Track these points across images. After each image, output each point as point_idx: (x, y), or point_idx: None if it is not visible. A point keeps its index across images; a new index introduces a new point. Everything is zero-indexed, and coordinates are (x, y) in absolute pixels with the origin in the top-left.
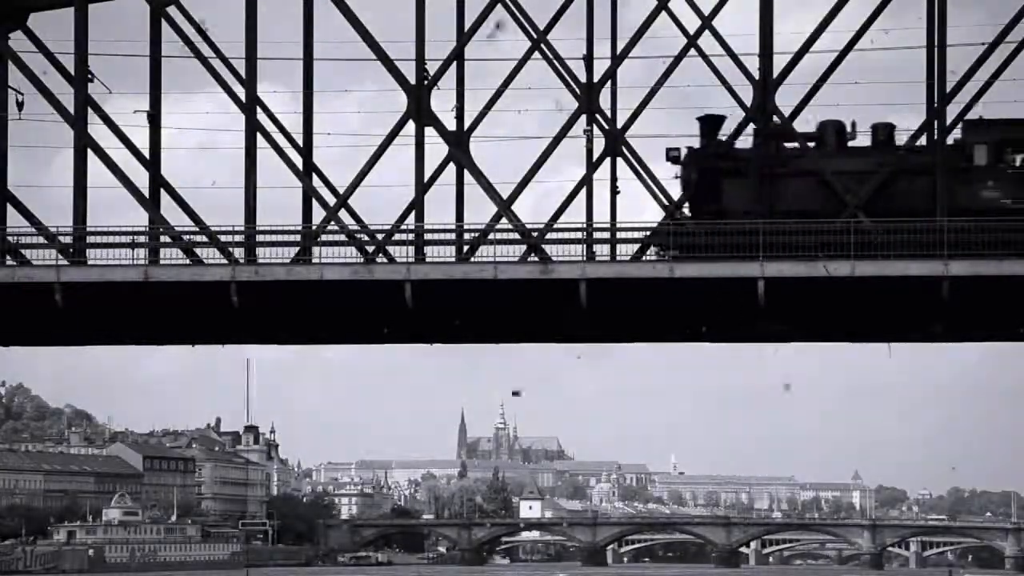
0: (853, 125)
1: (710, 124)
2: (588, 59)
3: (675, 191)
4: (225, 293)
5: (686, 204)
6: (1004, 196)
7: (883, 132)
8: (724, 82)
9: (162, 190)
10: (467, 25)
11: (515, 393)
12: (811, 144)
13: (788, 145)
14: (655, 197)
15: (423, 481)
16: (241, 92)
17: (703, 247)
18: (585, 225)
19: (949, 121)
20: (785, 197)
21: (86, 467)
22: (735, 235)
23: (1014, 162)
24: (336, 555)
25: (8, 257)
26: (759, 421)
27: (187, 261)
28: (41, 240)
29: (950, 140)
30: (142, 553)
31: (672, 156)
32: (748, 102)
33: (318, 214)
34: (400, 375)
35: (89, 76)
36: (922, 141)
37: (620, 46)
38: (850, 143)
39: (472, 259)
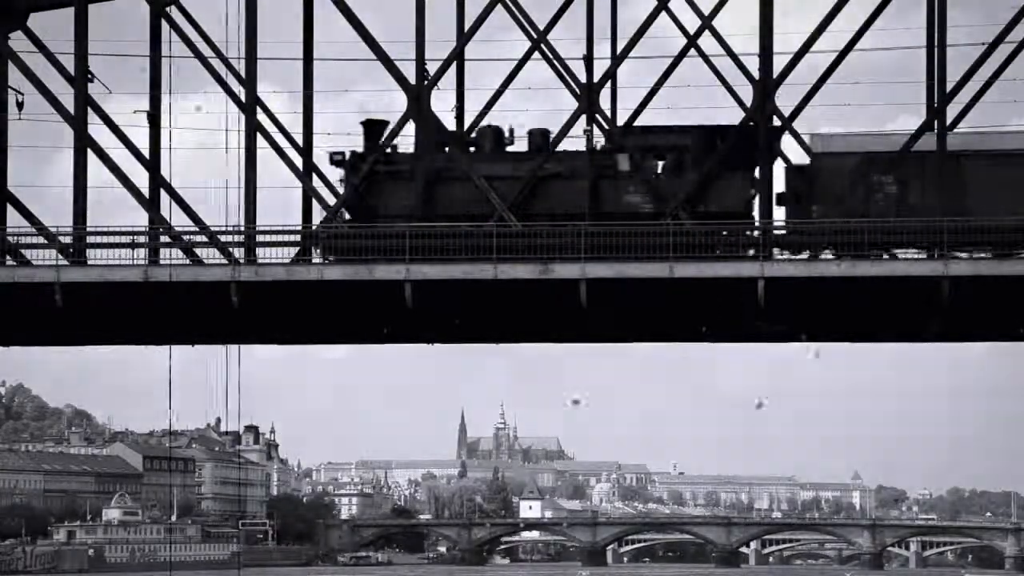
0: (511, 131)
1: (371, 128)
2: (588, 59)
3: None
4: (225, 293)
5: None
6: (645, 202)
7: (539, 137)
8: (724, 82)
9: (162, 190)
10: (467, 25)
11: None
12: (472, 149)
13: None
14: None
15: (423, 481)
16: (241, 92)
17: (359, 250)
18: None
19: (949, 121)
20: (443, 201)
21: (86, 467)
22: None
23: (656, 168)
24: (336, 555)
25: (8, 257)
26: (759, 421)
27: (187, 261)
28: (41, 240)
29: (598, 146)
30: (142, 553)
31: (336, 160)
32: (748, 102)
33: (318, 214)
34: (400, 375)
35: (89, 76)
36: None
37: (620, 46)
38: (508, 148)
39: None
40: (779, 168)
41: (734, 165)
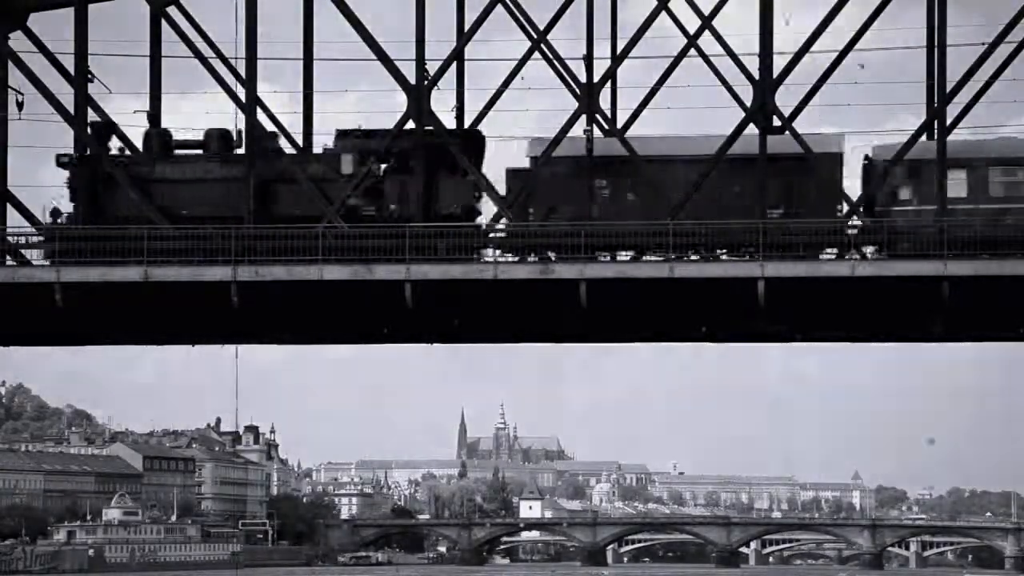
0: (239, 133)
1: (97, 131)
2: (588, 59)
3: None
4: (225, 293)
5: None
6: (367, 204)
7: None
8: (724, 82)
9: None
10: (467, 25)
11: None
12: (199, 151)
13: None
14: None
15: (423, 481)
16: (241, 92)
17: (87, 251)
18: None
19: (949, 121)
20: (174, 202)
21: (86, 467)
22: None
23: (378, 171)
24: (336, 555)
25: (8, 257)
26: (759, 421)
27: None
28: (41, 240)
29: (320, 149)
30: (142, 553)
31: (62, 162)
32: (748, 102)
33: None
34: (400, 375)
35: (89, 76)
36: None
37: (620, 46)
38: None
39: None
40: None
41: (456, 169)
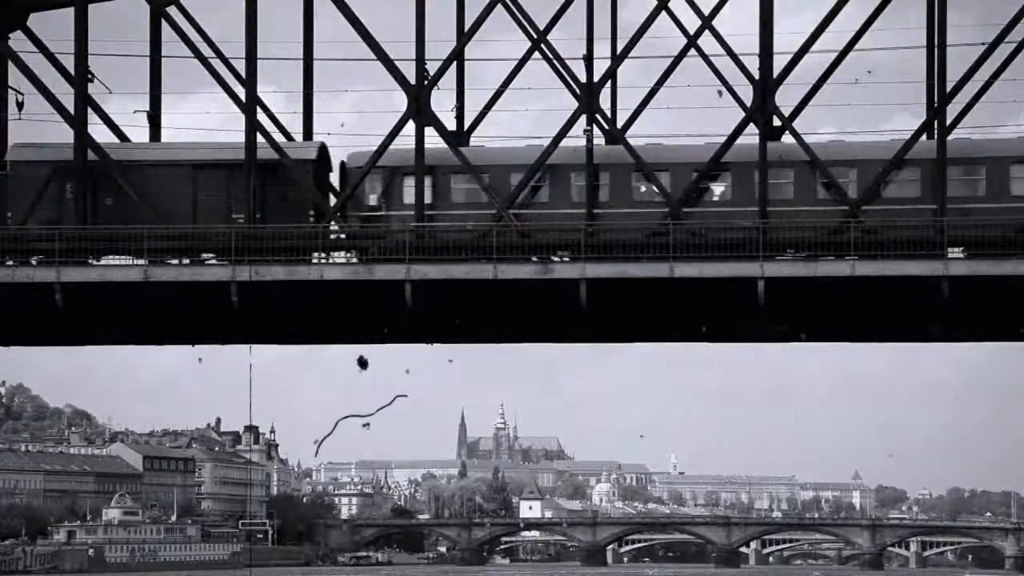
0: None
1: None
2: (588, 59)
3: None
4: (225, 293)
5: None
6: None
7: None
8: (724, 82)
9: None
10: (467, 25)
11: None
12: None
13: None
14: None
15: (423, 481)
16: (241, 92)
17: None
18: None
19: (949, 121)
20: None
21: (86, 467)
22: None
23: None
24: (336, 555)
25: (8, 257)
26: (759, 421)
27: (187, 261)
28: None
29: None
30: (142, 553)
31: None
32: (748, 102)
33: None
34: (400, 375)
35: (89, 76)
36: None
37: (620, 46)
38: None
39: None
40: None
41: None
